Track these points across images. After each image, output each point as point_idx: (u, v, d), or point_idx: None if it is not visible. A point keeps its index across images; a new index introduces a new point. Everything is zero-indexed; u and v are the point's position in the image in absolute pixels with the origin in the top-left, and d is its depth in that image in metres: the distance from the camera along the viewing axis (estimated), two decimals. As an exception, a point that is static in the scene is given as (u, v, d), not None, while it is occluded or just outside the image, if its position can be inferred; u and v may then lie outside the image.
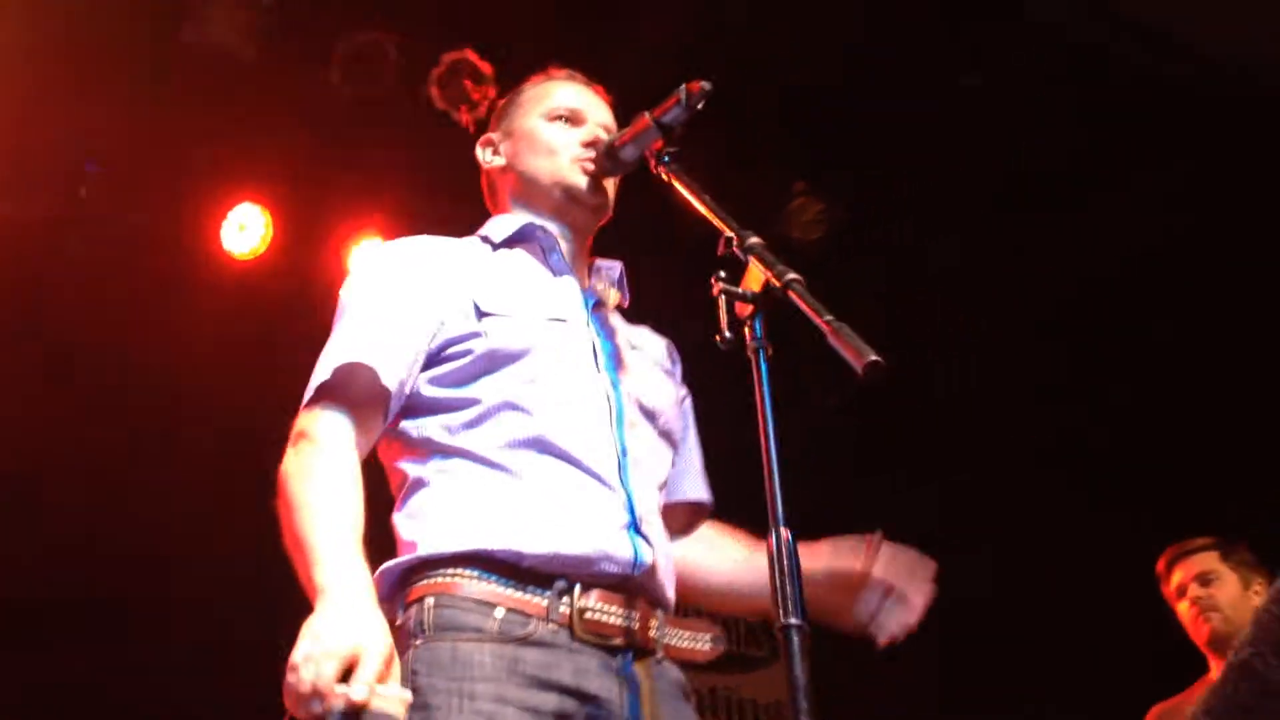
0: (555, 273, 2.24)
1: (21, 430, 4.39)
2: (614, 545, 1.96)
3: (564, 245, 2.27)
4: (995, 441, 5.89)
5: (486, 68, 4.41)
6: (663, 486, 2.22)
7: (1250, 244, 4.99)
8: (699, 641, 2.08)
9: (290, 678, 1.65)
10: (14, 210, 4.39)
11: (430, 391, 2.06)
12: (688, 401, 2.41)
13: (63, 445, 4.53)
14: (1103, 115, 4.76)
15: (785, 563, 1.64)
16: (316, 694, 1.63)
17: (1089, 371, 5.59)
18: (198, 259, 4.70)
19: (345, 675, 1.64)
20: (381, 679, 1.67)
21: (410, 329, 2.05)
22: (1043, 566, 5.80)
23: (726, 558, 2.32)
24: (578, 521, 1.96)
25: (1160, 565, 3.91)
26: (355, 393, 1.99)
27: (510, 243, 2.27)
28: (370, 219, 4.83)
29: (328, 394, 1.99)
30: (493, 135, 2.43)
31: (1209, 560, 3.81)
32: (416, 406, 2.07)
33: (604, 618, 1.93)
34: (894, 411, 5.42)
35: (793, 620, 1.60)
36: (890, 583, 2.18)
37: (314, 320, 4.77)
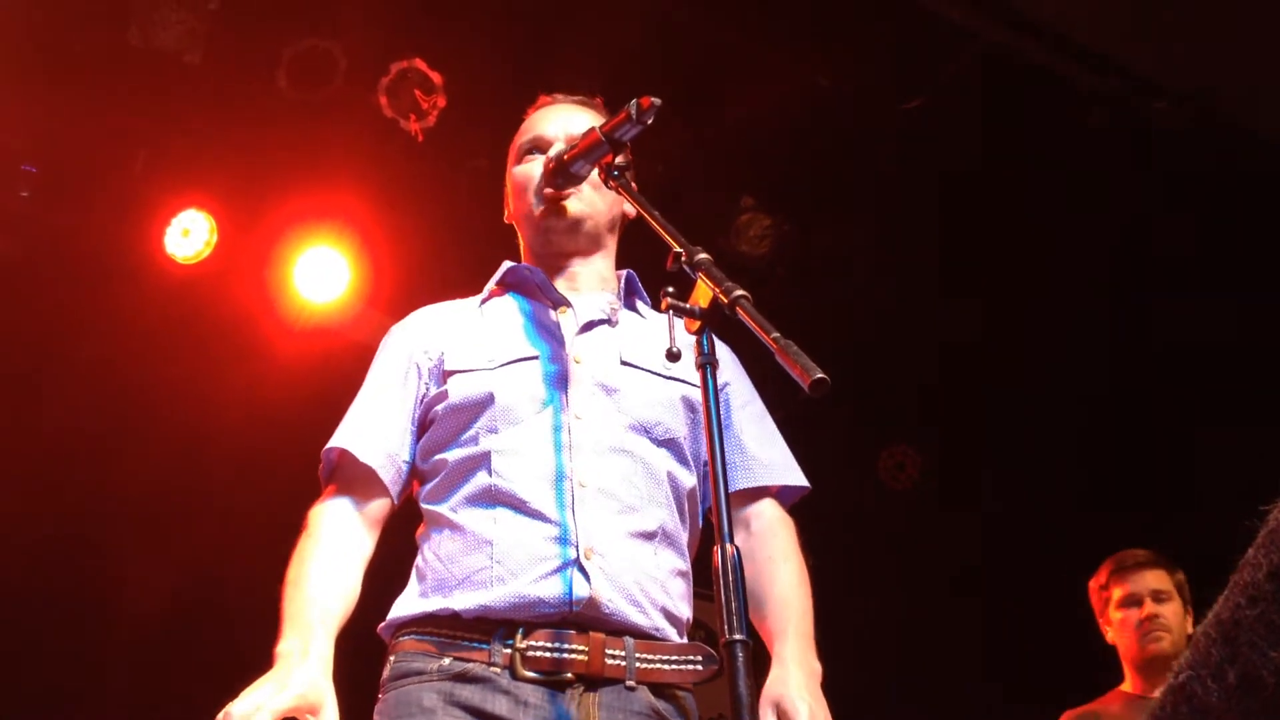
0: (554, 304, 2.30)
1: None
2: (545, 588, 1.98)
3: (560, 274, 2.34)
4: (944, 442, 5.97)
5: (436, 77, 4.40)
6: (673, 500, 2.18)
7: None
8: (688, 663, 2.06)
9: None
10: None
11: (422, 461, 2.22)
12: (728, 390, 2.33)
13: (-2, 450, 4.45)
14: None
15: (730, 578, 1.64)
16: None
17: (1046, 375, 5.67)
18: (140, 264, 4.65)
19: None
20: None
21: (387, 405, 2.23)
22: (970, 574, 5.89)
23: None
24: (514, 567, 2.00)
25: (1103, 574, 3.90)
26: (343, 476, 2.21)
27: (504, 289, 2.38)
28: (316, 225, 4.80)
29: (326, 481, 2.23)
30: (505, 191, 2.52)
31: (1162, 578, 3.82)
32: (419, 477, 2.25)
33: (545, 654, 1.95)
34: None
35: (737, 636, 1.60)
36: None
37: (258, 327, 4.77)
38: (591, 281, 2.35)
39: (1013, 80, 4.66)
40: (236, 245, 4.73)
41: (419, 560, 2.15)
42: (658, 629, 2.06)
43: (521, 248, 2.46)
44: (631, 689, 1.98)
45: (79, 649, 4.48)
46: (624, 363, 2.25)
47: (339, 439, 2.20)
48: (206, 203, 4.68)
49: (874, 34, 4.57)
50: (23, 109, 4.22)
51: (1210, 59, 4.53)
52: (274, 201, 4.73)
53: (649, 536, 2.11)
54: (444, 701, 1.93)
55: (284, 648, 1.93)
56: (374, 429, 2.20)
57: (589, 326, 2.27)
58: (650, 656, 2.02)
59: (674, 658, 2.05)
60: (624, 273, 2.43)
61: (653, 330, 2.35)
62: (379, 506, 2.19)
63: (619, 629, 2.01)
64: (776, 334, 1.70)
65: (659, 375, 2.27)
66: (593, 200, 2.34)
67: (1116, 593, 3.86)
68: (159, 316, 4.66)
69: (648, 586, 2.07)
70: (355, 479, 2.19)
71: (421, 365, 2.25)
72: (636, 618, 2.03)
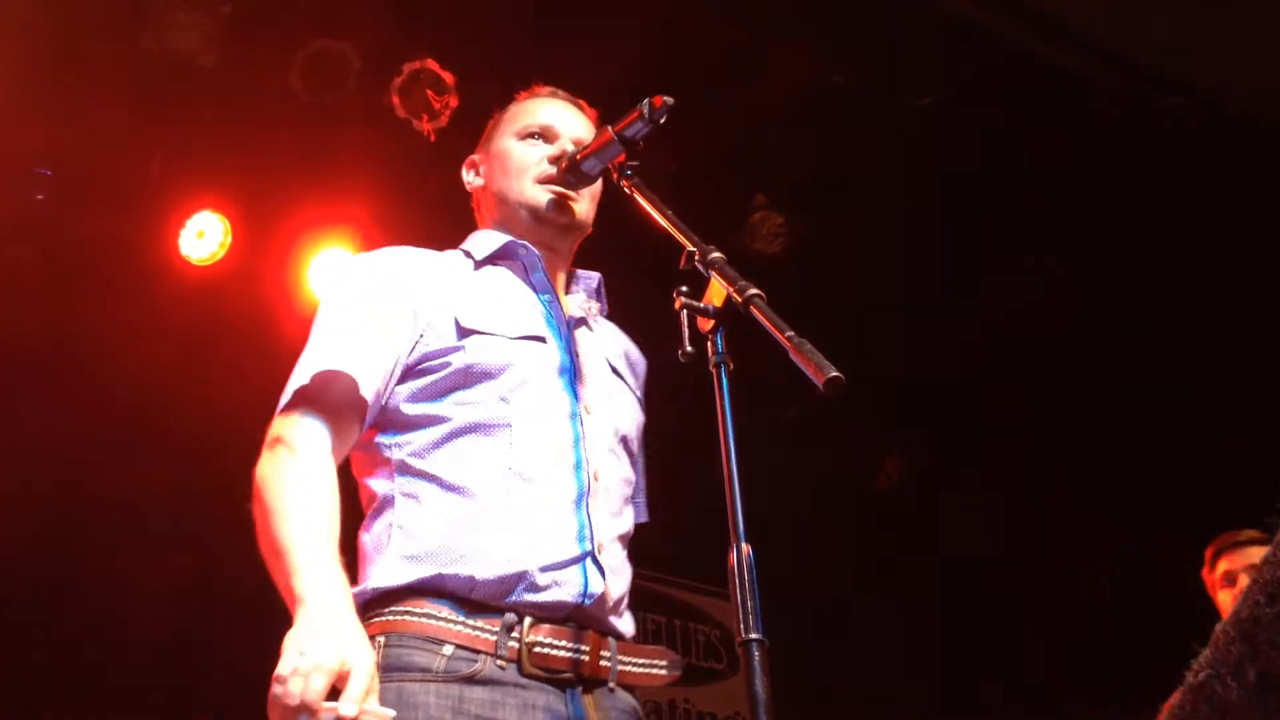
0: (537, 290, 2.25)
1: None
2: (565, 575, 1.95)
3: (544, 262, 2.28)
4: (960, 441, 5.96)
5: (449, 77, 4.40)
6: (629, 507, 2.20)
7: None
8: (654, 667, 2.06)
9: (276, 689, 1.65)
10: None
11: (404, 407, 2.07)
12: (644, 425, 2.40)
13: (15, 451, 4.47)
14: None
15: (745, 577, 1.64)
16: (305, 708, 1.63)
17: (1048, 374, 5.65)
18: (155, 265, 4.66)
19: (331, 691, 1.66)
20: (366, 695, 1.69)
21: (390, 340, 2.06)
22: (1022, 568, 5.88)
23: None
24: (531, 549, 1.95)
25: (1208, 551, 3.88)
26: (333, 401, 2.00)
27: (493, 259, 2.28)
28: (330, 226, 4.81)
29: (305, 400, 1.99)
30: (475, 156, 2.47)
31: (1262, 554, 3.78)
32: (390, 422, 2.07)
33: (553, 651, 1.91)
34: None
35: (753, 635, 1.60)
36: None
37: (272, 328, 4.80)
38: (561, 280, 2.34)
39: (1025, 77, 4.65)
40: (251, 246, 4.75)
41: (396, 518, 2.00)
42: (629, 632, 2.08)
43: (484, 219, 2.41)
44: (612, 690, 1.98)
45: (90, 646, 4.50)
46: (612, 369, 2.27)
47: (343, 362, 2.00)
48: (221, 204, 4.70)
49: (887, 32, 4.56)
50: (38, 113, 4.24)
51: (1222, 56, 4.51)
52: (288, 202, 4.75)
53: (624, 540, 2.13)
54: (452, 710, 1.84)
55: (318, 593, 1.75)
56: (375, 362, 2.02)
57: (576, 324, 2.27)
58: (626, 659, 2.02)
59: (642, 660, 2.05)
60: (596, 276, 2.40)
61: (613, 340, 2.38)
62: (345, 450, 2.03)
63: (608, 629, 2.01)
64: (791, 332, 1.70)
65: (633, 392, 2.31)
66: (589, 210, 2.34)
67: (1219, 571, 3.83)
68: (174, 318, 4.67)
69: (627, 589, 2.09)
70: (343, 408, 2.00)
71: (420, 310, 2.10)
72: (621, 619, 2.05)
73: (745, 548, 1.66)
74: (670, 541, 5.33)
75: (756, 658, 1.59)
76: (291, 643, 1.69)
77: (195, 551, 4.57)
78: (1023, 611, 5.85)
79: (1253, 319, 5.11)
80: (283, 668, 1.66)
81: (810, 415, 5.56)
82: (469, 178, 2.46)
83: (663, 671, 2.07)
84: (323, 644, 1.68)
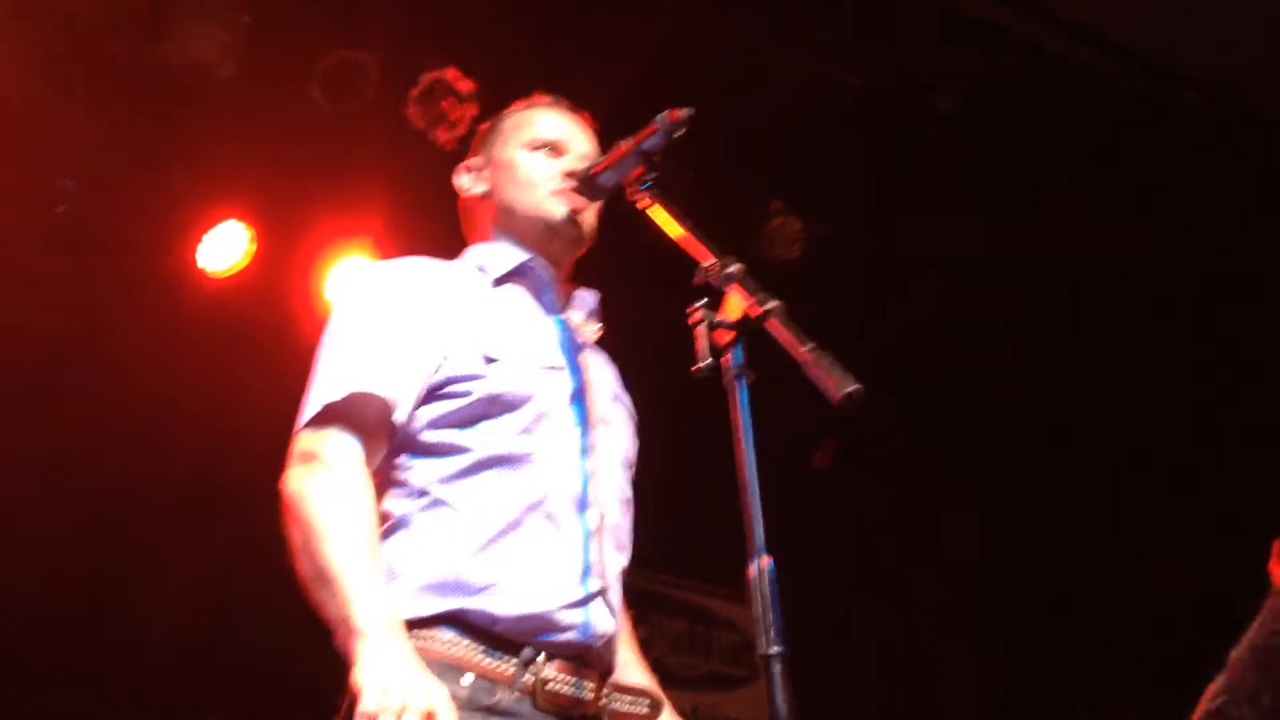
0: (549, 312, 2.22)
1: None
2: (578, 615, 1.95)
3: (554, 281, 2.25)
4: (980, 448, 5.94)
5: (466, 86, 4.41)
6: (628, 541, 2.18)
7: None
8: (638, 705, 2.06)
9: None
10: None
11: (426, 432, 2.03)
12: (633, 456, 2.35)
13: (37, 462, 4.50)
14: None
15: (765, 590, 1.64)
16: None
17: (1069, 378, 5.62)
18: (177, 276, 4.69)
19: None
20: None
21: (420, 362, 2.02)
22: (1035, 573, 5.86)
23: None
24: (550, 587, 1.95)
25: (1277, 544, 3.87)
26: (366, 421, 1.97)
27: (507, 277, 2.23)
28: (351, 236, 4.82)
29: (337, 416, 1.95)
30: (472, 162, 2.41)
31: None
32: (411, 445, 2.03)
33: (562, 688, 1.91)
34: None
35: (775, 649, 1.61)
36: None
37: (294, 337, 4.83)
38: (561, 300, 2.29)
39: (1045, 76, 4.63)
40: (272, 256, 4.77)
41: (415, 544, 1.96)
42: (616, 668, 2.08)
43: (480, 227, 2.36)
44: None
45: (111, 645, 4.54)
46: (614, 395, 2.25)
47: (377, 384, 1.96)
48: (243, 215, 4.72)
49: (906, 32, 4.55)
50: (59, 124, 4.27)
51: (1241, 50, 4.50)
52: (308, 212, 4.77)
53: (622, 575, 2.13)
54: None
55: (382, 628, 1.74)
56: (407, 385, 1.99)
57: (581, 348, 2.23)
58: (619, 696, 2.02)
59: (629, 699, 2.05)
60: (594, 294, 2.34)
61: (610, 364, 2.34)
62: (372, 468, 1.99)
63: (608, 668, 2.02)
64: (810, 345, 1.69)
65: (631, 419, 2.29)
66: (595, 224, 2.31)
67: None
68: (196, 328, 4.70)
69: (620, 628, 2.10)
70: (375, 429, 1.97)
71: (443, 330, 2.05)
72: (614, 656, 2.05)
73: (765, 559, 1.65)
74: (691, 547, 5.35)
75: (778, 671, 1.59)
76: (369, 679, 1.68)
77: (215, 559, 4.60)
78: (1026, 613, 5.83)
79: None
80: (368, 705, 1.65)
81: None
82: (465, 183, 2.39)
83: (645, 710, 2.07)
84: (408, 685, 1.67)
